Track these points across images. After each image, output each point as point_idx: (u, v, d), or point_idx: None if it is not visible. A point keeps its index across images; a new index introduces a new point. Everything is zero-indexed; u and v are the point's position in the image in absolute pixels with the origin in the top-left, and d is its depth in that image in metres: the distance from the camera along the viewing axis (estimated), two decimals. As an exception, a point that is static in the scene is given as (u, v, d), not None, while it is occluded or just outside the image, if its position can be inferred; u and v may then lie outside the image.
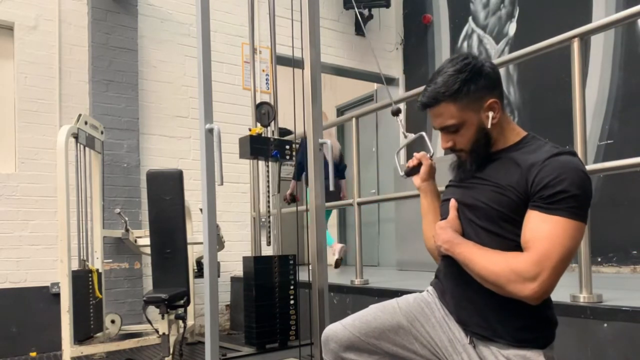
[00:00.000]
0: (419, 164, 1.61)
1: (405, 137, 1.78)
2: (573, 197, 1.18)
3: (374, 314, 1.46)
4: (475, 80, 1.30)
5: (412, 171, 1.62)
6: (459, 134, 1.34)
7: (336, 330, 1.46)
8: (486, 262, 1.24)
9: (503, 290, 1.22)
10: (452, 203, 1.39)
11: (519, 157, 1.29)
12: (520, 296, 1.20)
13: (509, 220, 1.27)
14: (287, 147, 2.56)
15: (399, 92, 5.96)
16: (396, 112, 1.83)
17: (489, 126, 1.31)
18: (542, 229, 1.20)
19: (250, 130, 2.55)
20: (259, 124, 2.62)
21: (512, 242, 1.26)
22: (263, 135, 2.57)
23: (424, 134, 1.69)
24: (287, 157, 2.56)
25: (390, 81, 6.03)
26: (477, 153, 1.35)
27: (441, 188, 1.55)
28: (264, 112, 2.64)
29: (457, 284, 1.37)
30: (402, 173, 1.65)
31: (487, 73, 1.32)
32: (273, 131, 2.68)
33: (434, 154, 1.62)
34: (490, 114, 1.31)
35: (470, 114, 1.31)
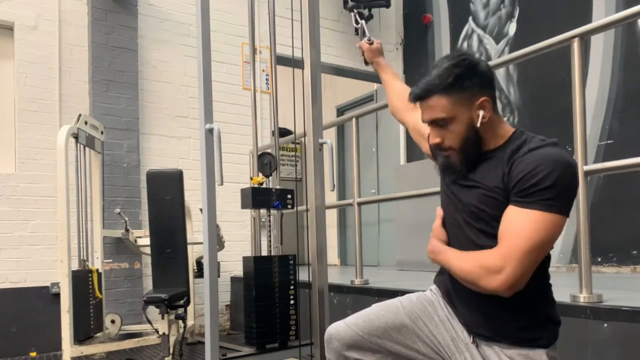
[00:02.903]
0: (364, 51, 1.97)
1: (357, 28, 2.11)
2: (547, 189, 1.18)
3: (377, 312, 1.46)
4: (469, 76, 1.29)
5: (365, 59, 2.00)
6: (448, 130, 1.32)
7: (339, 328, 1.47)
8: (460, 262, 1.30)
9: (477, 287, 1.25)
10: (438, 212, 1.44)
11: (505, 155, 1.29)
12: (490, 289, 1.22)
13: (500, 220, 1.27)
14: (289, 196, 2.62)
15: (399, 92, 5.95)
16: (351, 8, 2.12)
17: (479, 125, 1.30)
18: (513, 223, 1.22)
19: (251, 179, 2.60)
20: (260, 174, 2.68)
21: None
22: (264, 184, 2.65)
23: (362, 22, 2.07)
24: (289, 206, 2.64)
25: (390, 81, 6.02)
26: (467, 153, 1.33)
27: (436, 189, 1.56)
28: (266, 162, 2.71)
29: (459, 285, 1.37)
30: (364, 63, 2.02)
31: (483, 71, 1.31)
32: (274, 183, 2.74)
33: (369, 37, 1.98)
34: (481, 112, 1.29)
35: (461, 109, 1.30)
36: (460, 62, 1.30)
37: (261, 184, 2.63)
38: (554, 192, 1.18)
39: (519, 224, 1.20)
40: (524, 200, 1.21)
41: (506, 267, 1.19)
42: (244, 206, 2.61)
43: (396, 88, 1.85)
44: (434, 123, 1.34)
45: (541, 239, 1.19)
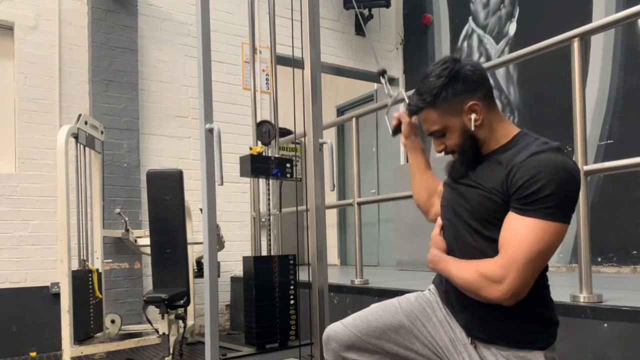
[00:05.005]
0: (401, 123, 1.65)
1: (390, 97, 1.84)
2: (548, 197, 1.18)
3: (375, 313, 1.46)
4: (452, 84, 1.30)
5: (396, 130, 1.67)
6: (446, 138, 1.36)
7: (337, 329, 1.46)
8: (459, 271, 1.29)
9: (479, 296, 1.25)
10: (437, 221, 1.44)
11: (506, 157, 1.28)
12: (491, 299, 1.22)
13: (497, 224, 1.27)
14: (288, 165, 2.59)
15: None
16: (381, 73, 1.85)
17: (473, 129, 1.31)
18: (514, 231, 1.21)
19: (251, 149, 2.57)
20: (259, 143, 2.64)
21: None
22: (264, 153, 2.60)
23: (402, 91, 1.78)
24: (288, 175, 2.59)
25: (390, 81, 6.01)
26: (466, 155, 1.36)
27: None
28: (265, 130, 2.67)
29: (457, 288, 1.36)
30: (391, 133, 1.72)
31: (465, 76, 1.31)
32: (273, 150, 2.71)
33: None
34: (473, 116, 1.30)
35: (451, 118, 1.32)
36: (442, 72, 1.31)
37: (260, 153, 2.57)
38: (555, 200, 1.18)
39: (520, 233, 1.20)
40: (525, 208, 1.20)
41: (507, 277, 1.19)
42: (242, 174, 2.54)
43: (426, 177, 1.67)
44: (432, 134, 1.39)
45: (542, 248, 1.19)
